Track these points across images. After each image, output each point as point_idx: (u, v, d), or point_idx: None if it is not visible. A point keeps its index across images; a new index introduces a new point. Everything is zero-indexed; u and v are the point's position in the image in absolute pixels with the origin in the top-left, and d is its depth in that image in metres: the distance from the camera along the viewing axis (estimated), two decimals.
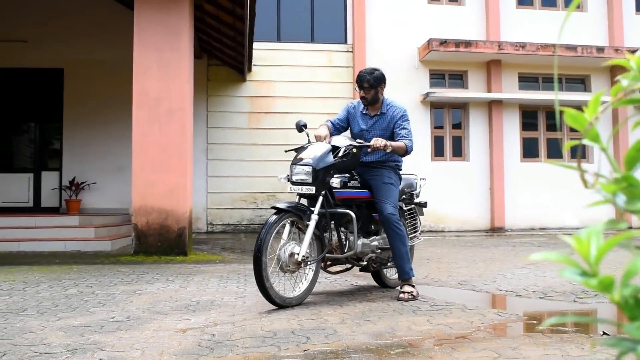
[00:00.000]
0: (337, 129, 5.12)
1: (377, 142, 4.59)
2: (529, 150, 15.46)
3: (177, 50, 8.17)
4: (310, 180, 4.42)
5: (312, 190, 4.43)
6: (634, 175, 0.63)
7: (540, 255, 0.65)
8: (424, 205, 5.51)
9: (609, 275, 0.58)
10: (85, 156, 13.45)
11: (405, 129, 4.87)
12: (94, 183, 13.32)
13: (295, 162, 4.56)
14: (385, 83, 4.99)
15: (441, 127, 15.25)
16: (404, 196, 5.20)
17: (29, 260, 7.64)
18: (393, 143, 4.72)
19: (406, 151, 4.80)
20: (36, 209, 13.28)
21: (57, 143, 13.90)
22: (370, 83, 4.86)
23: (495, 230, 14.68)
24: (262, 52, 14.49)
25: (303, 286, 4.43)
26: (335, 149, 4.62)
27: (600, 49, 14.74)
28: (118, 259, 7.71)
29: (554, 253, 0.64)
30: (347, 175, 4.71)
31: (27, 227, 9.67)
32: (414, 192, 5.35)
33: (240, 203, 14.35)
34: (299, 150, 4.73)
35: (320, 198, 4.44)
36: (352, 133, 5.14)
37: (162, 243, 7.92)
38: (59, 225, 9.80)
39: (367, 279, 5.73)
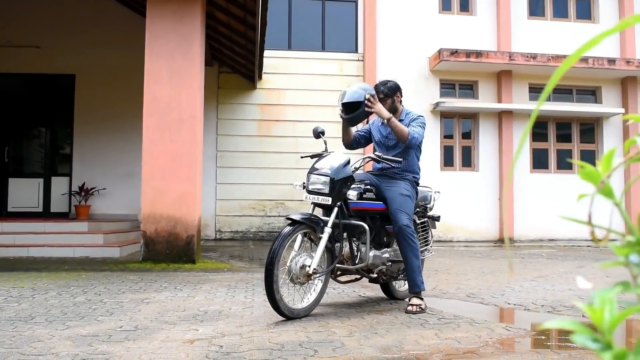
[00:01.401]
0: (358, 137, 5.21)
1: (381, 109, 4.69)
2: (539, 161, 15.41)
3: (189, 58, 8.21)
4: (327, 190, 4.41)
5: (328, 201, 4.42)
6: None
7: (555, 322, 0.64)
8: (437, 219, 5.50)
9: (622, 349, 0.58)
10: (95, 162, 13.51)
11: (417, 127, 4.90)
12: (104, 189, 13.37)
13: (312, 170, 4.55)
14: (401, 92, 5.08)
15: (451, 137, 15.24)
16: (418, 209, 5.19)
17: (38, 266, 7.67)
18: (399, 124, 4.76)
19: (408, 138, 4.78)
20: (46, 214, 13.35)
21: (68, 148, 13.97)
22: (385, 93, 4.96)
23: (504, 240, 14.62)
24: (273, 60, 14.53)
25: (311, 297, 4.42)
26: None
27: (611, 61, 14.70)
28: (126, 266, 7.73)
29: (568, 320, 0.64)
30: (362, 186, 4.71)
31: (37, 233, 9.72)
32: (427, 205, 5.34)
33: (249, 210, 14.37)
34: (316, 158, 4.72)
35: (335, 209, 4.43)
36: (374, 142, 5.18)
37: (171, 250, 7.94)
38: (68, 231, 9.85)
39: (375, 290, 5.72)
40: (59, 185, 13.64)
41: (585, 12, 15.98)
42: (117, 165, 13.48)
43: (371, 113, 4.74)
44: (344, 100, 4.75)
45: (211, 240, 13.78)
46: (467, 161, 15.23)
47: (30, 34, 13.27)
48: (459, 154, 15.19)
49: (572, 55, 0.62)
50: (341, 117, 4.82)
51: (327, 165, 4.50)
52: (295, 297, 4.40)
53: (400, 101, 5.10)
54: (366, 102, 4.67)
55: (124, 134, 13.29)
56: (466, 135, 15.34)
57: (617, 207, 0.67)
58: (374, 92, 4.80)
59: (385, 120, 4.77)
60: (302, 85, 14.77)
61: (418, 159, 5.09)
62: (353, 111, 4.72)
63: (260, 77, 14.35)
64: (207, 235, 14.07)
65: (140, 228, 8.29)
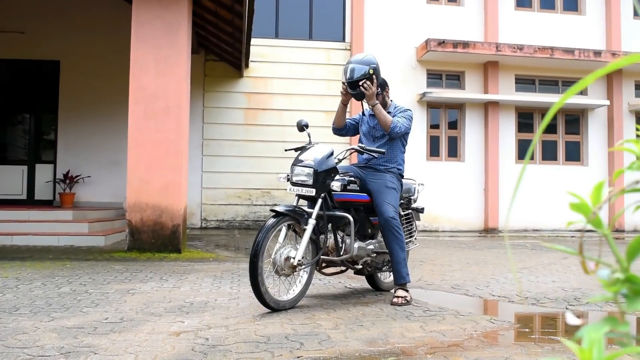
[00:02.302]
0: (348, 125, 5.26)
1: (368, 89, 4.74)
2: (525, 152, 15.48)
3: (175, 46, 8.15)
4: (310, 182, 4.43)
5: (312, 192, 4.44)
6: (636, 275, 0.63)
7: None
8: (421, 211, 5.52)
9: None
10: (80, 149, 13.41)
11: (402, 118, 4.93)
12: (89, 176, 13.28)
13: (296, 162, 4.56)
14: (388, 87, 5.11)
15: (437, 127, 15.27)
16: (402, 201, 5.21)
17: (22, 255, 7.62)
18: (383, 111, 4.84)
19: (390, 127, 4.82)
20: (30, 201, 13.24)
21: (52, 135, 13.85)
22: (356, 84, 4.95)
23: (489, 231, 14.72)
24: (260, 48, 14.47)
25: (297, 289, 4.43)
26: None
27: (597, 53, 14.77)
28: (112, 256, 7.70)
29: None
30: (346, 178, 4.72)
31: (21, 221, 9.65)
32: (411, 198, 5.36)
33: (235, 199, 14.34)
34: (300, 150, 4.73)
35: (320, 200, 4.45)
36: (361, 133, 5.21)
37: (156, 240, 7.91)
38: (53, 220, 9.78)
39: (360, 282, 5.74)
40: (43, 172, 13.53)
41: (572, 3, 16.03)
42: (102, 152, 13.38)
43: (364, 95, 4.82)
44: (346, 79, 4.83)
45: (197, 229, 13.75)
46: (453, 151, 15.28)
47: (14, 19, 13.08)
48: (445, 144, 15.23)
49: (563, 97, 0.62)
50: (346, 92, 4.90)
51: (311, 157, 4.52)
52: (281, 289, 4.40)
53: (388, 95, 5.13)
54: (363, 85, 4.74)
55: (109, 121, 13.18)
56: (452, 126, 15.38)
57: (606, 238, 0.67)
58: (376, 64, 4.85)
59: (371, 106, 4.81)
60: (289, 74, 14.72)
61: (403, 152, 5.11)
62: (356, 85, 4.80)
63: (247, 66, 14.28)
64: (193, 224, 14.03)
65: (125, 216, 8.25)
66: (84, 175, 13.23)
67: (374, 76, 4.79)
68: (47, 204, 12.99)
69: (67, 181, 12.91)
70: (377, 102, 4.84)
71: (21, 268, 6.38)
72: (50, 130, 14.01)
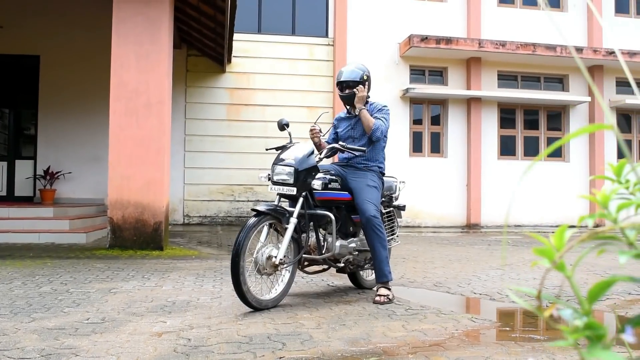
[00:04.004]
0: (329, 142, 5.26)
1: (360, 91, 4.89)
2: (507, 148, 15.59)
3: (157, 43, 8.09)
4: (291, 181, 4.44)
5: (292, 191, 4.45)
6: (596, 321, 0.64)
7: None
8: (403, 208, 5.54)
9: None
10: (61, 145, 13.29)
11: (381, 118, 5.00)
12: (69, 173, 13.18)
13: (277, 161, 4.57)
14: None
15: (420, 123, 15.31)
16: (383, 199, 5.23)
17: (2, 254, 7.54)
18: (368, 114, 4.92)
19: (372, 128, 4.88)
20: (9, 197, 13.11)
21: (32, 131, 13.71)
22: (351, 86, 4.97)
23: (471, 226, 14.81)
24: (243, 43, 14.41)
25: (279, 288, 4.43)
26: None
27: (579, 49, 14.89)
28: (93, 253, 7.64)
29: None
30: (327, 176, 4.73)
31: (1, 218, 9.53)
32: (393, 195, 5.39)
33: (218, 195, 14.30)
34: (281, 149, 4.74)
35: (301, 199, 4.47)
36: (339, 135, 5.22)
37: (138, 237, 7.88)
38: (34, 217, 9.69)
39: (343, 279, 5.75)
40: (23, 168, 13.40)
41: (555, 0, 16.13)
42: (83, 148, 13.28)
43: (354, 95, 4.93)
44: (343, 79, 4.97)
45: (179, 225, 13.70)
46: (436, 147, 15.34)
47: None
48: (428, 140, 15.29)
49: (539, 155, 0.63)
50: (314, 132, 5.00)
51: (292, 156, 4.53)
52: (263, 288, 4.40)
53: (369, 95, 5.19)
54: (356, 89, 4.89)
55: (90, 117, 13.08)
56: (435, 122, 15.44)
57: (569, 281, 0.68)
58: (369, 73, 5.08)
59: (358, 110, 4.86)
60: (271, 70, 14.69)
61: (383, 149, 5.13)
62: (346, 87, 4.98)
63: (229, 61, 14.22)
64: (175, 220, 13.98)
65: (106, 213, 8.20)
66: (65, 172, 13.12)
67: (366, 82, 4.99)
68: (27, 201, 12.86)
69: (48, 177, 12.79)
70: (364, 107, 4.91)
71: (1, 267, 6.32)
72: (30, 126, 13.87)
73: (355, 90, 4.90)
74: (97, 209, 11.99)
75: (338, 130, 5.23)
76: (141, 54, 8.04)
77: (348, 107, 5.11)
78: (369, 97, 5.10)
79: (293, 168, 4.44)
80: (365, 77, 4.98)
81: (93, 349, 3.16)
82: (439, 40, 14.30)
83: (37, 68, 13.39)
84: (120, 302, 4.48)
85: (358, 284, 5.36)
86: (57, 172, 12.95)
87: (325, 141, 5.24)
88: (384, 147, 5.17)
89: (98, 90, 11.99)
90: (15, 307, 4.23)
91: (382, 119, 4.97)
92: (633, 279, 0.69)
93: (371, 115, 4.97)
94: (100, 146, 12.32)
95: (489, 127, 15.30)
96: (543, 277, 0.68)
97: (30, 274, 5.88)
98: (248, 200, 14.22)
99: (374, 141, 4.98)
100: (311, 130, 5.01)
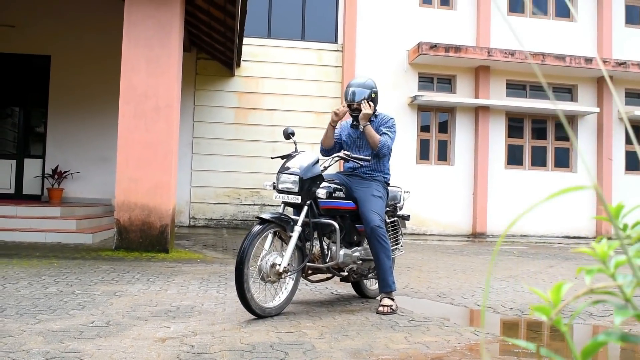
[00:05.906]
0: (335, 144, 5.25)
1: (366, 108, 4.87)
2: (514, 157, 15.58)
3: (167, 46, 8.14)
4: (296, 189, 4.46)
5: (297, 199, 4.47)
6: None
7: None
8: (407, 218, 5.55)
9: None
10: (70, 145, 13.37)
11: (387, 133, 5.00)
12: (77, 172, 13.24)
13: (282, 170, 4.59)
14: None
15: (427, 131, 15.32)
16: (388, 208, 5.24)
17: (9, 252, 7.59)
18: (373, 132, 4.91)
19: (378, 146, 4.88)
20: (18, 195, 13.19)
21: (42, 130, 13.80)
22: (359, 102, 4.98)
23: (477, 235, 14.80)
24: (252, 47, 14.47)
25: (283, 295, 4.45)
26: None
27: (588, 60, 14.86)
28: (99, 254, 7.68)
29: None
30: (332, 185, 4.75)
31: (9, 217, 9.59)
32: (397, 205, 5.41)
33: (224, 198, 14.35)
34: (286, 158, 4.76)
35: (305, 208, 4.48)
36: (345, 145, 5.21)
37: (144, 239, 7.91)
38: (41, 216, 9.74)
39: (347, 288, 5.76)
40: (32, 167, 13.48)
41: (565, 10, 16.12)
42: (92, 149, 13.35)
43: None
44: (349, 99, 4.97)
45: (185, 227, 13.74)
46: (443, 155, 15.35)
47: (4, 12, 13.00)
48: (435, 148, 15.30)
49: (545, 199, 0.65)
50: (335, 116, 4.99)
51: (297, 164, 4.55)
52: (267, 296, 4.42)
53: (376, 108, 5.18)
54: (362, 103, 4.89)
55: (99, 118, 13.15)
56: (442, 130, 15.44)
57: (565, 337, 0.70)
58: (377, 88, 5.07)
59: (362, 127, 4.87)
60: (280, 74, 14.74)
61: (388, 160, 5.15)
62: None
63: (238, 65, 14.28)
64: (181, 222, 14.02)
65: (113, 214, 8.24)
66: (73, 171, 13.19)
67: (374, 99, 4.99)
68: (35, 199, 12.93)
69: (56, 176, 12.87)
70: (368, 124, 4.91)
71: (8, 266, 6.36)
72: (39, 125, 13.96)
73: (361, 104, 4.89)
74: (103, 209, 12.05)
75: (343, 138, 5.23)
76: (151, 58, 8.09)
77: (355, 123, 5.10)
78: (375, 110, 5.11)
79: (298, 177, 4.46)
80: (373, 95, 4.98)
81: (97, 353, 3.18)
82: (448, 48, 14.31)
83: (48, 68, 13.49)
84: (125, 306, 4.51)
85: (362, 292, 5.38)
86: (65, 172, 13.02)
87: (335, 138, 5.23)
88: (389, 158, 5.18)
89: (107, 92, 12.04)
90: (21, 308, 4.27)
91: (388, 133, 4.97)
92: (625, 337, 0.71)
93: (377, 128, 4.98)
94: (108, 147, 12.38)
95: (497, 136, 15.29)
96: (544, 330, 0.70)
97: (37, 274, 5.92)
98: (254, 204, 14.26)
99: (380, 157, 4.99)
100: (336, 112, 4.97)
